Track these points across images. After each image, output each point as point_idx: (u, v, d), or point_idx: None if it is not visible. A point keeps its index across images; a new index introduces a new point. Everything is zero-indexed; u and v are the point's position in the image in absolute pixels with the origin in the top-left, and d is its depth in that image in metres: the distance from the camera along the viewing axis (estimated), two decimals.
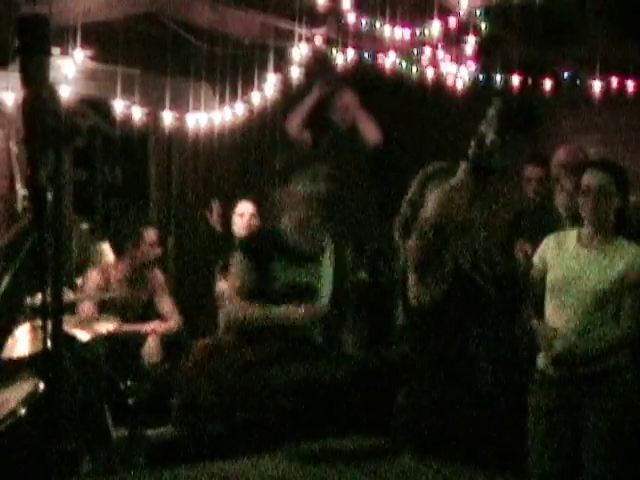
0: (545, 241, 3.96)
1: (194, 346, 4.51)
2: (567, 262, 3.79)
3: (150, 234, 5.61)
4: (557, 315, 3.78)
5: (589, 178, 3.75)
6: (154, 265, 5.69)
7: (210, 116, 5.71)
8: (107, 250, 6.45)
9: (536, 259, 3.94)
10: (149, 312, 5.60)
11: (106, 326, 4.51)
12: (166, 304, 5.67)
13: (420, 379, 3.73)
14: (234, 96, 5.71)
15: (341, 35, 5.46)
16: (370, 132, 6.41)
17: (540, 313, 3.87)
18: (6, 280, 3.65)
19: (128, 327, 5.33)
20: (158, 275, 5.75)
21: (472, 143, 3.61)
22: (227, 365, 4.11)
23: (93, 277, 5.50)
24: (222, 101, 5.72)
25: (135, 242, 5.55)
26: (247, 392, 3.97)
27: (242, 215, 5.72)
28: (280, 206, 4.26)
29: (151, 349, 5.38)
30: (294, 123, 6.56)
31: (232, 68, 5.70)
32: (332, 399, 3.89)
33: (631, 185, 3.90)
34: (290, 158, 4.28)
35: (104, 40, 5.30)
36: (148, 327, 5.46)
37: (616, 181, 3.73)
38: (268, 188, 6.06)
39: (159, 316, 5.60)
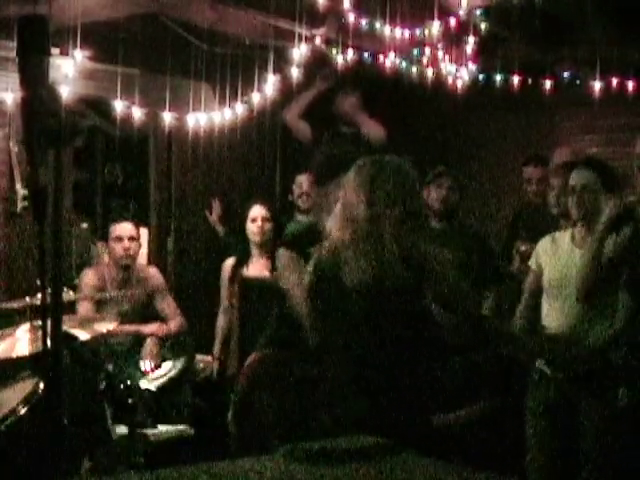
0: (540, 243, 3.98)
1: (250, 357, 4.25)
2: (561, 262, 3.81)
3: (121, 229, 5.38)
4: (553, 315, 3.79)
5: (574, 177, 3.78)
6: (133, 262, 5.46)
7: (210, 116, 5.70)
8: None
9: (532, 262, 3.96)
10: (149, 313, 5.50)
11: (106, 326, 4.49)
12: (166, 305, 5.54)
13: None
14: (234, 96, 5.71)
15: (341, 35, 5.45)
16: (374, 131, 6.33)
17: (536, 317, 3.89)
18: None
19: (127, 328, 5.25)
20: (156, 275, 5.63)
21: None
22: (290, 383, 3.70)
23: (88, 277, 5.41)
24: (222, 101, 5.71)
25: (108, 239, 5.42)
26: (306, 414, 3.49)
27: (255, 220, 5.39)
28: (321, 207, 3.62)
29: (149, 353, 5.29)
30: (292, 113, 6.55)
31: (232, 68, 5.70)
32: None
33: (627, 184, 3.91)
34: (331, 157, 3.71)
35: (104, 40, 5.30)
36: (147, 329, 5.38)
37: (602, 180, 3.75)
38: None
39: (159, 318, 5.50)
